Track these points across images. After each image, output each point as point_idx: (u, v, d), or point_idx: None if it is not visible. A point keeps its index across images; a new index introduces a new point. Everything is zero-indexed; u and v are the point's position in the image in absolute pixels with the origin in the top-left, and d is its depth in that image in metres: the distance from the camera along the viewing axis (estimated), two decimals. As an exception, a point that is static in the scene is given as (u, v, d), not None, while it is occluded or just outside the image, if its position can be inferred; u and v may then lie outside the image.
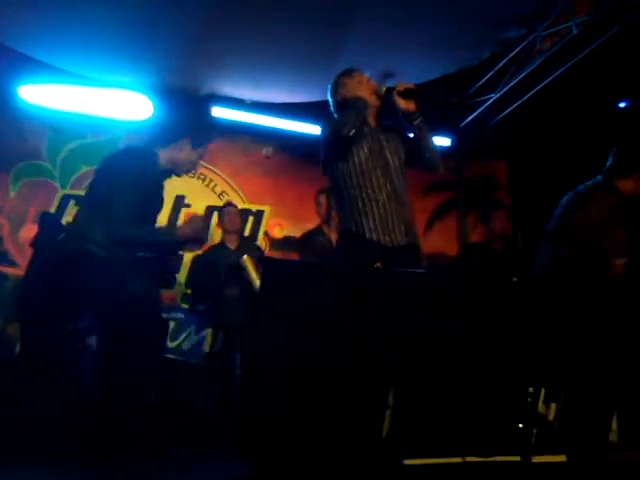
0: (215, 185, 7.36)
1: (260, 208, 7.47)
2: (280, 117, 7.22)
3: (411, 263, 4.02)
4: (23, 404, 5.02)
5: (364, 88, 4.20)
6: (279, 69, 6.28)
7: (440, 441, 2.95)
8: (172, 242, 4.54)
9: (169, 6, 5.38)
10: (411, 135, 4.24)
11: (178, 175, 4.51)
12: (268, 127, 7.29)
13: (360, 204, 4.08)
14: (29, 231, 6.69)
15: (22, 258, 6.53)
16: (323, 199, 6.04)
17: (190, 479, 3.76)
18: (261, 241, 7.34)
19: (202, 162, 7.27)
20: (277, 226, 7.39)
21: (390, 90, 4.15)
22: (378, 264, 4.01)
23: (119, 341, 4.39)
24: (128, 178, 4.07)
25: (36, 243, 5.88)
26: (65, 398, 5.26)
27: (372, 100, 4.19)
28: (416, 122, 4.18)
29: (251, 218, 7.41)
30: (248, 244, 6.64)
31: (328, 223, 6.06)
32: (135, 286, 4.48)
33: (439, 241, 7.75)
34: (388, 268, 3.92)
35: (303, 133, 7.27)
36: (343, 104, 4.17)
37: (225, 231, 6.34)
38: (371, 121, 4.25)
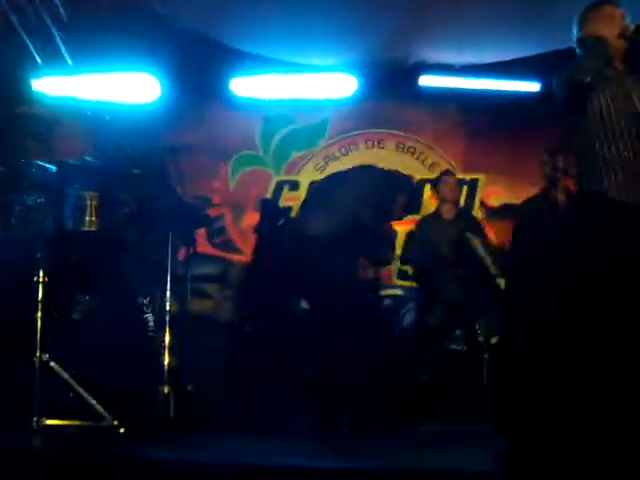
0: (426, 157, 7.56)
1: (474, 177, 7.56)
2: (491, 78, 7.10)
3: None
4: (254, 383, 5.41)
5: (611, 26, 3.80)
6: (488, 26, 6.24)
7: None
8: None
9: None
10: None
11: None
12: (479, 90, 7.27)
13: (601, 160, 3.79)
14: (250, 219, 7.23)
15: (245, 245, 7.29)
16: (547, 158, 5.83)
17: (440, 452, 3.76)
18: (476, 211, 7.47)
19: (411, 134, 7.43)
20: (493, 194, 7.43)
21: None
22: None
23: (338, 322, 4.64)
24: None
25: (259, 229, 6.35)
26: (290, 376, 5.66)
27: (617, 41, 3.81)
28: None
29: (465, 188, 7.52)
30: (465, 215, 6.67)
31: (554, 185, 5.89)
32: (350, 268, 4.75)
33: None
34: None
35: (517, 92, 7.15)
36: (582, 45, 3.88)
37: (442, 201, 6.40)
38: (617, 64, 3.89)
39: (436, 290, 6.15)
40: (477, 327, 5.89)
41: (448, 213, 6.46)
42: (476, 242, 6.01)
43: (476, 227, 6.52)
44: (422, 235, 6.42)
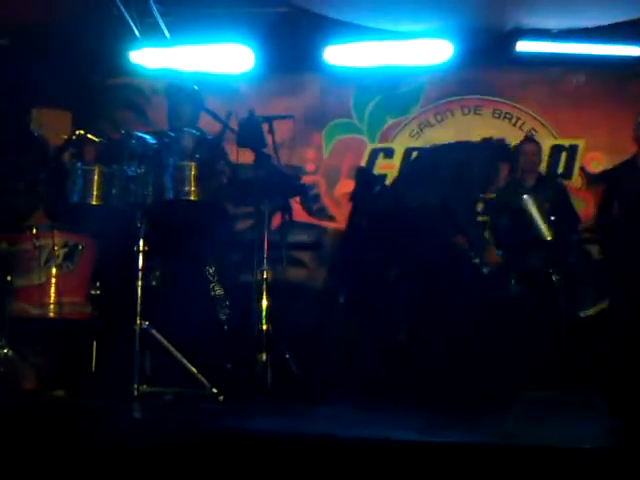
0: (523, 123, 7.41)
1: (573, 142, 7.36)
2: (590, 43, 6.83)
3: None
4: (347, 346, 5.40)
5: None
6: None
7: None
8: None
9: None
10: None
11: None
12: (577, 55, 7.03)
13: None
14: (343, 187, 7.24)
15: (339, 212, 7.23)
16: None
17: (549, 427, 3.64)
18: (576, 178, 7.24)
19: (508, 100, 7.22)
20: (594, 160, 7.16)
21: None
22: None
23: (432, 290, 4.56)
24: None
25: (354, 197, 6.28)
26: (385, 342, 5.64)
27: None
28: None
29: (564, 154, 7.38)
30: (547, 181, 6.41)
31: None
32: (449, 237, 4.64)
33: None
34: None
35: (618, 56, 6.87)
36: None
37: (522, 169, 6.22)
38: None
39: (516, 260, 6.05)
40: (560, 298, 5.79)
41: (529, 180, 6.24)
42: (531, 203, 5.87)
43: (559, 193, 6.28)
44: (502, 203, 6.21)
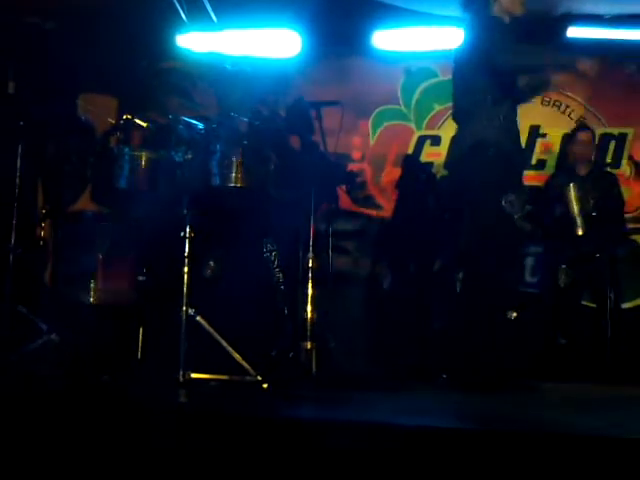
0: (572, 111, 7.19)
1: (622, 131, 7.12)
2: (643, 29, 6.66)
3: None
4: (391, 335, 5.33)
5: None
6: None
7: None
8: None
9: None
10: None
11: None
12: (628, 42, 6.85)
13: None
14: (389, 174, 7.14)
15: (385, 200, 7.12)
16: None
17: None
18: (625, 167, 7.07)
19: (557, 87, 7.04)
20: (643, 149, 6.97)
21: None
22: None
23: (477, 276, 4.47)
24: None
25: (401, 186, 6.19)
26: (430, 329, 5.56)
27: None
28: None
29: (612, 143, 7.13)
30: (597, 171, 6.37)
31: None
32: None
33: None
34: None
35: (672, 43, 6.67)
36: None
37: (576, 159, 6.06)
38: None
39: (565, 249, 5.95)
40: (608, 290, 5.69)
41: (581, 170, 6.20)
42: (573, 193, 5.80)
43: (609, 184, 6.25)
44: (554, 192, 6.18)
